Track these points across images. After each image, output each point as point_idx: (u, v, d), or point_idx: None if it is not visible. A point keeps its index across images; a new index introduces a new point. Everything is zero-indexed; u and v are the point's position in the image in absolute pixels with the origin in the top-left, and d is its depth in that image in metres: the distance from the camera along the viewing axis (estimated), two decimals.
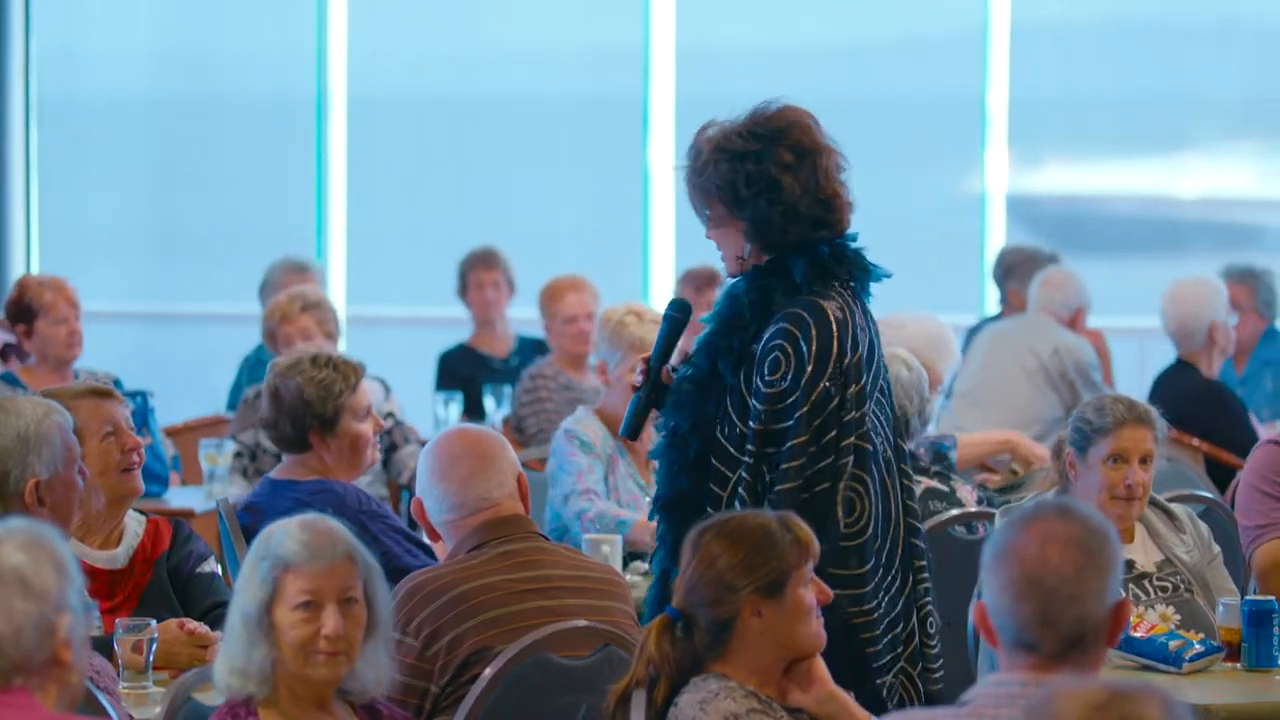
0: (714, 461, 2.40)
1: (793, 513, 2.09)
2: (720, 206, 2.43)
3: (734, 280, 2.45)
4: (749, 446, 2.36)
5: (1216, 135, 6.28)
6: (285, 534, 1.99)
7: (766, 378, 2.39)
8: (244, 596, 1.99)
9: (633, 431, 2.49)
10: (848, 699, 2.02)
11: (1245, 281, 4.69)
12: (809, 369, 2.40)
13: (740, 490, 2.37)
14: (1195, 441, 4.14)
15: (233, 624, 2.00)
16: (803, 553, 1.99)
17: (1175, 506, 2.87)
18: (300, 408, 2.87)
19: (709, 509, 2.38)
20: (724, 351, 2.43)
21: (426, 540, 2.64)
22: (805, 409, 2.39)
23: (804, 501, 2.36)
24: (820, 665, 2.01)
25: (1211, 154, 6.29)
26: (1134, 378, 5.25)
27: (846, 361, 2.43)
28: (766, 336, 2.41)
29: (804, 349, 2.40)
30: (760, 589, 1.98)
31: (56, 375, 3.89)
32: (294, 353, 3.06)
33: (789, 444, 2.37)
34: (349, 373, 2.91)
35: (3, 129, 6.25)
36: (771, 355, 2.40)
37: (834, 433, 2.40)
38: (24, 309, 3.96)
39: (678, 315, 2.51)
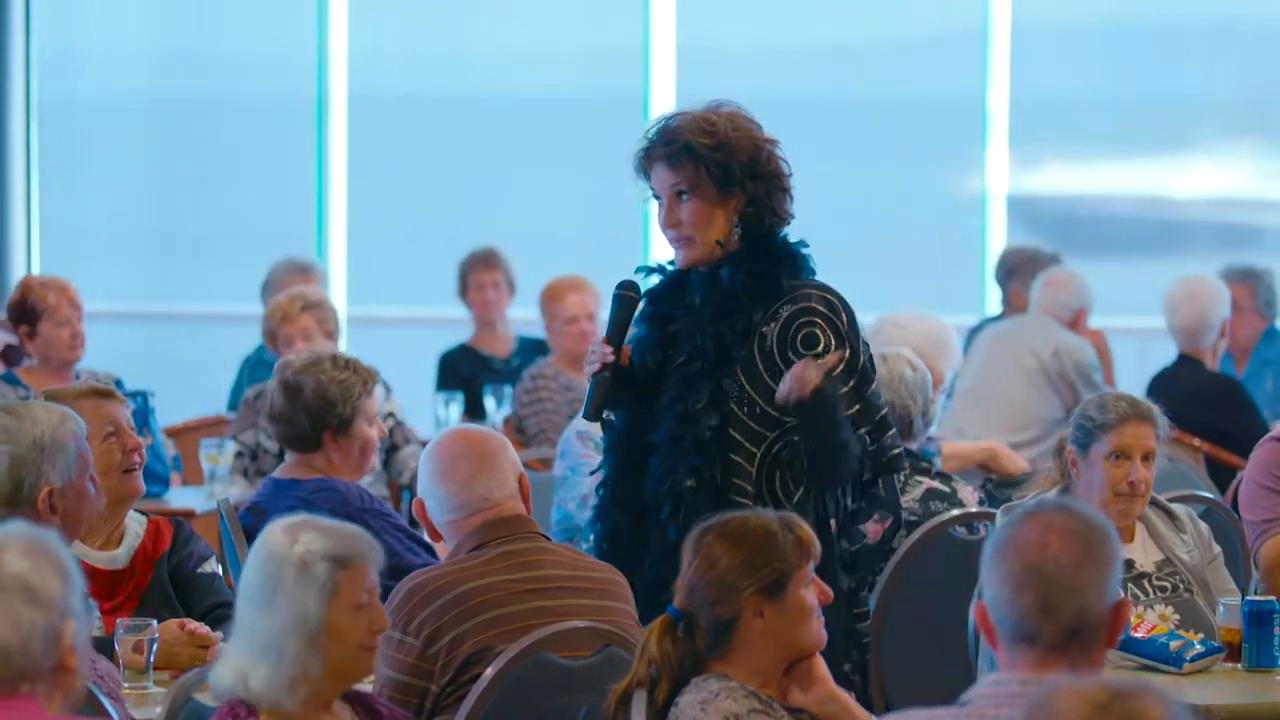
0: (733, 434, 2.43)
1: (795, 513, 2.12)
2: (712, 187, 2.45)
3: (707, 269, 2.46)
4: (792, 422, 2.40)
5: (1216, 135, 6.28)
6: (316, 536, 1.94)
7: (803, 352, 2.43)
8: (295, 605, 1.91)
9: (596, 413, 2.50)
10: (849, 699, 2.03)
11: (1245, 281, 4.70)
12: (849, 344, 2.46)
13: (780, 471, 2.40)
14: (1196, 441, 4.14)
15: (274, 638, 1.91)
16: (804, 553, 2.01)
17: (1176, 506, 2.87)
18: (322, 406, 2.88)
19: (733, 479, 2.41)
20: (727, 332, 2.45)
21: (428, 539, 2.64)
22: (855, 381, 2.44)
23: (880, 467, 2.44)
24: (821, 665, 2.03)
25: (1211, 154, 6.29)
26: (1134, 377, 5.25)
27: (869, 346, 2.49)
28: (788, 314, 2.45)
29: (839, 324, 2.46)
30: (762, 590, 1.99)
31: (58, 376, 3.89)
32: (310, 351, 3.06)
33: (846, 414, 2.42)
34: (367, 376, 2.94)
35: (3, 129, 6.26)
36: (805, 331, 2.44)
37: (884, 409, 2.48)
38: (27, 310, 3.96)
39: (631, 295, 2.53)
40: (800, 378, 2.40)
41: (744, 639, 1.98)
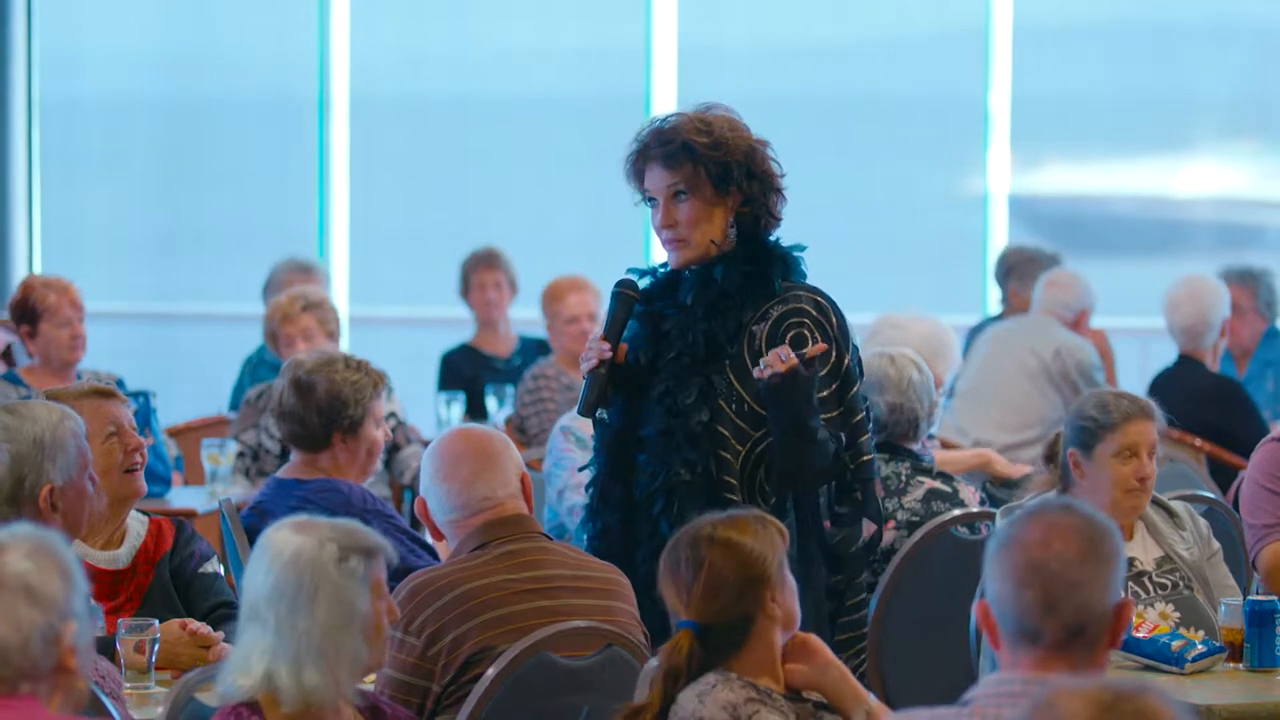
0: (721, 430, 2.45)
1: (772, 514, 2.15)
2: (710, 186, 2.47)
3: (700, 268, 2.48)
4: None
5: (1217, 135, 6.28)
6: (335, 532, 1.93)
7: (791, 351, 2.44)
8: (343, 601, 1.89)
9: (591, 409, 2.52)
10: (845, 668, 2.08)
11: (1245, 283, 4.70)
12: (838, 347, 2.49)
13: (764, 467, 2.43)
14: (1198, 442, 4.14)
15: (326, 637, 1.89)
16: (784, 537, 2.07)
17: (1175, 503, 2.87)
18: (334, 405, 2.89)
19: (724, 476, 2.44)
20: (718, 329, 2.47)
21: (430, 540, 2.65)
22: (838, 384, 2.48)
23: (850, 472, 2.47)
24: (815, 638, 2.08)
25: (1212, 154, 6.29)
26: (1136, 378, 5.25)
27: (858, 350, 2.50)
28: (778, 314, 2.47)
29: (828, 326, 2.48)
30: (771, 581, 2.04)
31: (59, 377, 3.89)
32: (321, 352, 3.07)
33: (825, 416, 2.45)
34: (376, 378, 2.95)
35: (4, 130, 6.26)
36: (795, 332, 2.47)
37: (864, 413, 2.50)
38: (28, 310, 3.97)
39: (630, 293, 2.55)
40: (779, 356, 2.43)
41: (759, 633, 2.03)
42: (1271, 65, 6.18)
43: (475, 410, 4.80)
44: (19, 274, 6.02)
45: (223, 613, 2.60)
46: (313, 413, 2.89)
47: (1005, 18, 6.18)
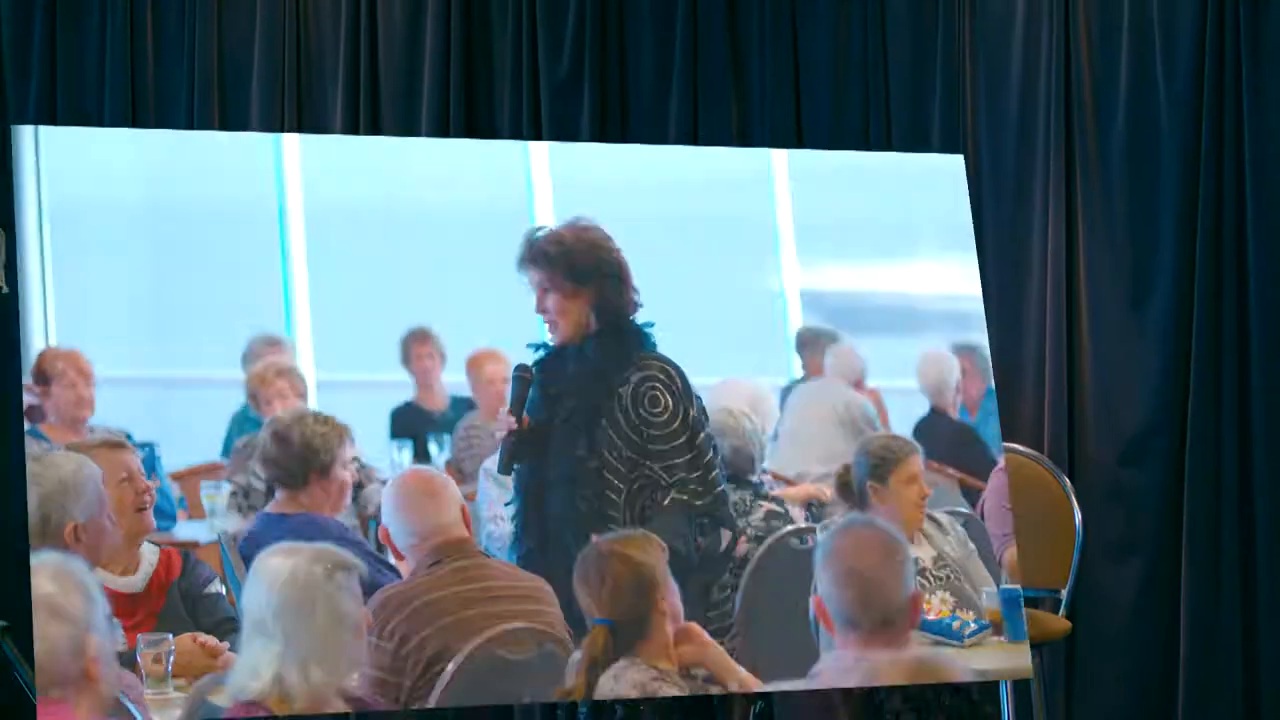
0: (606, 473, 2.43)
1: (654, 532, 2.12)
2: (569, 283, 2.51)
3: (575, 346, 2.50)
4: (648, 464, 2.43)
5: (937, 248, 6.59)
6: (320, 551, 1.86)
7: (647, 409, 2.47)
8: (336, 606, 1.81)
9: (507, 467, 2.55)
10: (721, 648, 2.10)
11: (967, 353, 4.98)
12: (685, 402, 2.53)
13: (641, 499, 2.41)
14: (950, 470, 4.32)
15: (328, 640, 1.80)
16: (664, 550, 2.08)
17: (940, 514, 2.96)
18: (307, 453, 2.82)
19: (610, 511, 2.42)
20: (596, 393, 2.48)
21: (393, 560, 2.51)
22: (688, 433, 2.48)
23: (701, 512, 2.42)
24: (696, 626, 2.08)
25: (935, 261, 6.60)
26: (903, 424, 5.42)
27: (701, 401, 2.45)
28: (636, 380, 2.50)
29: (675, 387, 2.52)
30: (659, 584, 2.05)
31: (72, 431, 3.64)
32: (296, 409, 3.00)
33: (679, 460, 2.43)
34: (341, 430, 2.90)
35: (22, 232, 5.79)
36: (651, 393, 2.48)
37: (712, 452, 2.44)
38: (42, 375, 3.79)
39: (525, 375, 2.60)
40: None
41: (655, 625, 2.02)
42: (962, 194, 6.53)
43: (420, 454, 4.67)
44: (38, 349, 5.55)
45: (226, 626, 2.40)
46: (292, 459, 2.80)
47: (782, 163, 6.38)
